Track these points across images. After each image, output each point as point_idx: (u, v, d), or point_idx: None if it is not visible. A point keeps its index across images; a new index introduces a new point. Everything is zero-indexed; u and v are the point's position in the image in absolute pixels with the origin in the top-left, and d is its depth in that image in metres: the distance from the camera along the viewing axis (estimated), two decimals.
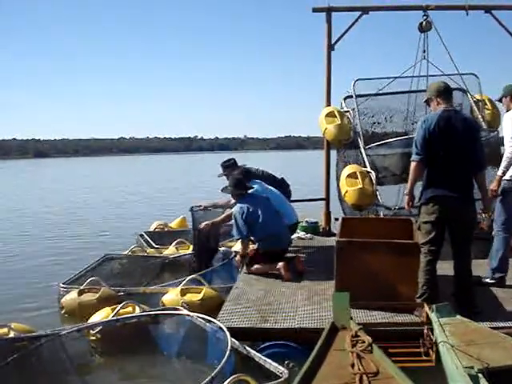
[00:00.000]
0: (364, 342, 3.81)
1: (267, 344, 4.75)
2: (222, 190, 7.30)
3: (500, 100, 6.21)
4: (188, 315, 5.01)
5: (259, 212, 6.73)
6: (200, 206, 8.08)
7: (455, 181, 4.97)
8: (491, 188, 5.71)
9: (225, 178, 7.80)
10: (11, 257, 11.20)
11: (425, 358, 4.21)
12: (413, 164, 5.13)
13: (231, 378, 3.67)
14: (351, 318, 4.26)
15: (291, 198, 8.16)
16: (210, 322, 4.75)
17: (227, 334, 4.38)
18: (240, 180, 6.98)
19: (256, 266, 6.70)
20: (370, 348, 3.74)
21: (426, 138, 4.97)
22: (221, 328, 4.55)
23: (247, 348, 4.50)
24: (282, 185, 7.94)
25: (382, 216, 7.51)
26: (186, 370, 4.83)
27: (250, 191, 6.98)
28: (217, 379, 3.67)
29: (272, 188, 7.51)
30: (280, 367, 4.10)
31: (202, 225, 7.56)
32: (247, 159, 8.57)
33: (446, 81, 8.50)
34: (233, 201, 7.30)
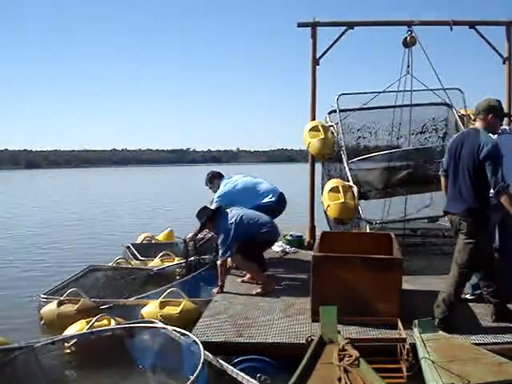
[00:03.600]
0: (351, 356, 3.83)
1: (241, 358, 4.73)
2: (206, 184, 8.08)
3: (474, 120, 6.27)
4: (163, 328, 4.98)
5: (240, 219, 6.73)
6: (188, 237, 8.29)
7: None
8: None
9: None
10: None
11: (399, 373, 4.20)
12: None
13: None
14: (339, 332, 4.27)
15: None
16: (184, 335, 4.73)
17: (201, 347, 4.37)
18: (199, 212, 7.03)
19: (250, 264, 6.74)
20: (357, 362, 3.76)
21: None
22: (195, 341, 4.53)
23: (221, 362, 4.49)
24: None
25: (368, 230, 7.50)
26: (160, 383, 4.80)
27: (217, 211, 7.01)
28: None
29: (240, 178, 7.79)
30: (253, 381, 4.11)
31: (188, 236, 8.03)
32: (240, 171, 8.62)
33: (430, 95, 8.65)
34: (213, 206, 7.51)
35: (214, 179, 8.03)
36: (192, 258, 8.30)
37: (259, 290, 6.53)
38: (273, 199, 7.55)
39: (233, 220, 6.65)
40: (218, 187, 7.81)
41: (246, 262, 6.71)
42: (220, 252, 6.63)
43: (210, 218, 6.86)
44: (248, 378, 4.17)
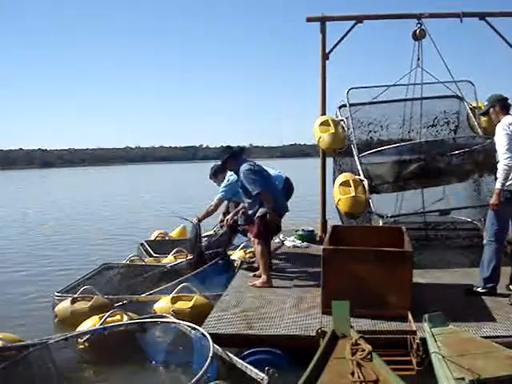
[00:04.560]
0: (364, 350, 3.83)
1: (251, 350, 4.77)
2: (210, 177, 8.26)
3: (485, 113, 6.27)
4: (174, 323, 5.03)
5: (263, 172, 6.89)
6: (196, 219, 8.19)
7: None
8: (491, 202, 5.74)
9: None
10: (14, 264, 11.35)
11: (409, 366, 4.21)
12: None
13: None
14: (351, 327, 4.27)
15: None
16: (194, 329, 4.77)
17: (210, 340, 4.40)
18: (228, 146, 7.13)
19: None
20: (369, 356, 3.75)
21: None
22: (204, 335, 4.56)
23: (230, 355, 4.53)
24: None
25: (381, 224, 7.48)
26: (172, 378, 4.86)
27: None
28: None
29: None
30: (260, 373, 4.12)
31: (194, 220, 7.95)
32: None
33: (441, 88, 8.60)
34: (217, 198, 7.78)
35: (218, 173, 8.13)
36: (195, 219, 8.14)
37: (256, 283, 6.61)
38: (279, 186, 7.61)
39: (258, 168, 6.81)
40: (223, 181, 7.91)
41: (265, 252, 6.72)
42: (251, 189, 6.63)
43: (233, 155, 6.91)
44: (256, 371, 4.19)
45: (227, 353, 4.55)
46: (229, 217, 7.97)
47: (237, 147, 7.33)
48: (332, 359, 3.82)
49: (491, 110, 6.08)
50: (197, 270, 7.54)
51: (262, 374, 4.10)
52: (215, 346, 4.45)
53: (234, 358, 4.49)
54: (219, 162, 7.33)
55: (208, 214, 7.96)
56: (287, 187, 7.83)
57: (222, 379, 4.01)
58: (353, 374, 3.52)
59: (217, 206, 7.95)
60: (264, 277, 6.65)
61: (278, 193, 7.08)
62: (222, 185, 7.87)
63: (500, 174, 5.64)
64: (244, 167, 6.70)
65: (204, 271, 7.43)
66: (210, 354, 4.15)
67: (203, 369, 3.90)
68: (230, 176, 7.67)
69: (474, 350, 3.92)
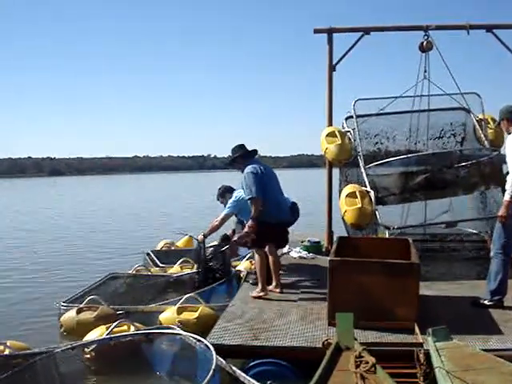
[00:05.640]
0: (368, 362, 3.82)
1: (257, 362, 4.78)
2: (217, 198, 8.48)
3: (499, 124, 6.23)
4: (179, 334, 5.03)
5: (270, 176, 6.84)
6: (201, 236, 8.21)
7: None
8: (500, 214, 5.71)
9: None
10: (19, 274, 11.41)
11: (415, 379, 4.19)
12: None
13: None
14: (355, 339, 4.26)
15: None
16: (199, 341, 4.77)
17: (213, 352, 4.41)
18: (242, 144, 7.03)
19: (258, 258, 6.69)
20: (373, 369, 3.74)
21: None
22: (208, 347, 4.57)
23: (233, 367, 4.53)
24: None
25: (387, 236, 7.46)
26: None
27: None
28: None
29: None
30: None
31: (199, 237, 7.94)
32: None
33: (447, 100, 8.60)
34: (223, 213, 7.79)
35: (226, 193, 8.19)
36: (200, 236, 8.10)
37: (254, 294, 6.61)
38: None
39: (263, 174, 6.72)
40: None
41: (260, 261, 6.66)
42: (246, 192, 6.60)
43: (243, 155, 6.87)
44: None
45: (230, 366, 4.55)
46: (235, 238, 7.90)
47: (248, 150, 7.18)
48: (336, 371, 3.82)
49: (501, 122, 6.06)
50: (203, 284, 7.63)
51: None
52: (219, 358, 4.45)
53: (238, 371, 4.49)
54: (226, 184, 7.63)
55: (213, 230, 7.97)
56: (292, 212, 7.79)
57: None
58: None
59: (222, 222, 7.89)
60: (259, 287, 6.64)
61: (280, 201, 6.96)
62: (230, 201, 7.87)
63: (509, 185, 5.62)
64: (248, 169, 6.66)
65: (211, 289, 7.50)
66: (213, 367, 4.15)
67: (205, 381, 3.91)
68: (238, 193, 7.67)
69: (477, 365, 3.89)
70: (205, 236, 7.93)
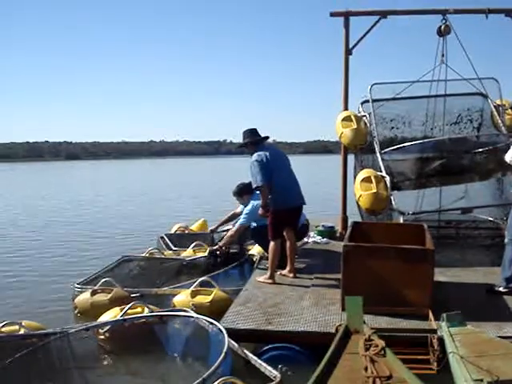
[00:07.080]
0: (377, 346, 3.81)
1: (270, 346, 4.79)
2: (234, 194, 8.29)
3: None
4: (192, 317, 5.04)
5: (277, 162, 6.73)
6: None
7: None
8: None
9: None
10: (35, 256, 11.54)
11: (428, 365, 4.17)
12: None
13: (219, 380, 3.71)
14: (364, 322, 4.25)
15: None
16: (212, 323, 4.78)
17: (225, 335, 4.41)
18: (254, 129, 6.96)
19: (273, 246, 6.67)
20: (383, 352, 3.73)
21: None
22: (220, 330, 4.58)
23: (245, 351, 4.54)
24: None
25: (401, 221, 7.42)
26: (189, 371, 4.83)
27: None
28: (210, 380, 3.69)
29: None
30: (273, 371, 4.13)
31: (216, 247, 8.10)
32: None
33: (464, 85, 8.51)
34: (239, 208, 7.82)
35: (244, 194, 8.04)
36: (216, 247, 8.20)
37: (261, 279, 6.64)
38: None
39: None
40: (247, 202, 7.89)
41: (273, 248, 6.64)
42: (252, 181, 6.57)
43: (254, 142, 6.83)
44: (270, 368, 4.19)
45: (243, 349, 4.55)
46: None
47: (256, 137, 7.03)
48: (345, 355, 3.80)
49: None
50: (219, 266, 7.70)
51: (275, 372, 4.10)
52: (231, 341, 4.46)
53: (250, 354, 4.49)
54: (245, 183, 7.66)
55: (228, 242, 8.00)
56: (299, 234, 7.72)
57: (238, 375, 4.00)
58: (366, 369, 3.49)
59: (237, 234, 7.88)
60: (268, 274, 6.63)
61: (288, 187, 6.80)
62: (245, 210, 7.77)
63: None
64: (253, 157, 6.61)
65: (225, 272, 7.51)
66: (225, 350, 4.15)
67: (216, 364, 3.91)
68: (254, 201, 7.55)
69: (492, 350, 3.85)
70: (221, 247, 8.01)
